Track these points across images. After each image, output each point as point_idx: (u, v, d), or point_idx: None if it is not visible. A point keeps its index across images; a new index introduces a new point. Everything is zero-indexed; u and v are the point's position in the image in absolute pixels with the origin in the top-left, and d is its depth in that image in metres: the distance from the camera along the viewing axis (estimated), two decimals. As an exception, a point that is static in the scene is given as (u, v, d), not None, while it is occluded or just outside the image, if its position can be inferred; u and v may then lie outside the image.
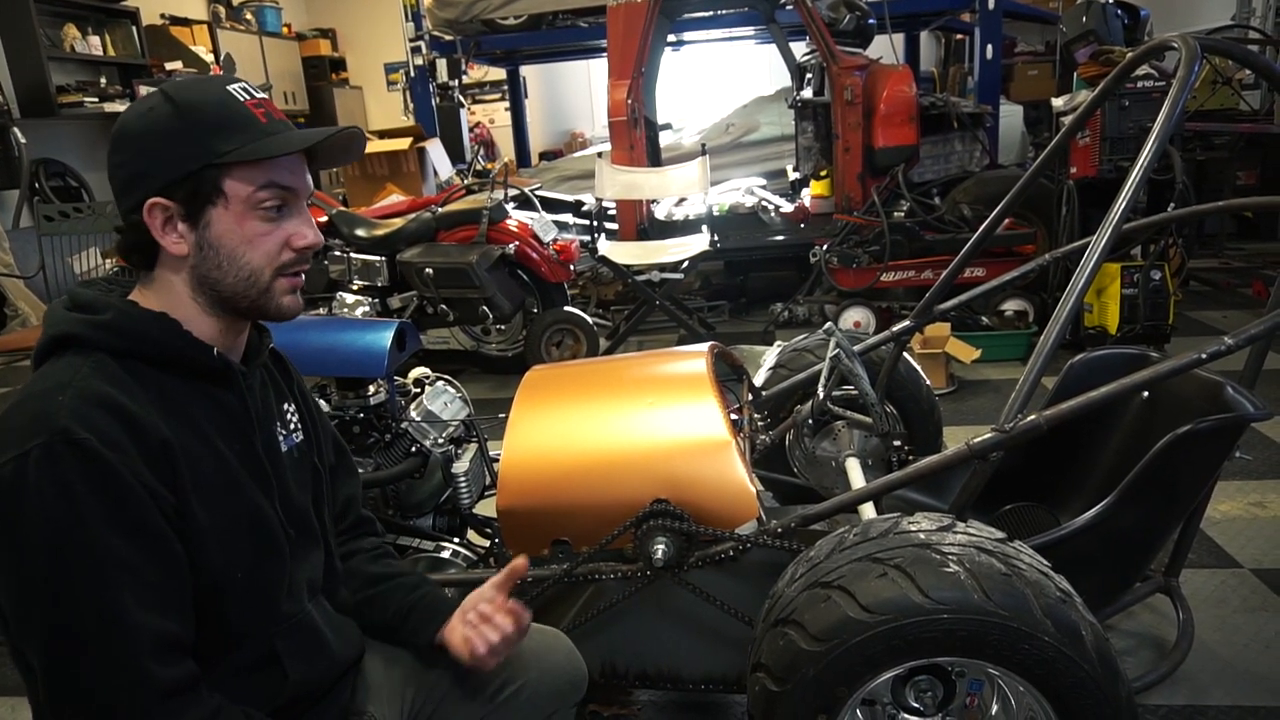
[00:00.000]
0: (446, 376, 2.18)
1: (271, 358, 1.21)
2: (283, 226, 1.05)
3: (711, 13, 6.23)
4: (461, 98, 7.02)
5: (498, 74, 8.79)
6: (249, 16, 8.39)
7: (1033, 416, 1.38)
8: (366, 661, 1.25)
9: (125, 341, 1.00)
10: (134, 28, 6.82)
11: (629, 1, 4.62)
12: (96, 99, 6.38)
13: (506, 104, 8.60)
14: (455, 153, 6.85)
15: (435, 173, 6.43)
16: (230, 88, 1.03)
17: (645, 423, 1.74)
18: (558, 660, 1.35)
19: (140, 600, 0.91)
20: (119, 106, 6.42)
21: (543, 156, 8.95)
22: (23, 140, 5.73)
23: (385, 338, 1.96)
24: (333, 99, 9.34)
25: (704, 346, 1.99)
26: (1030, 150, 6.59)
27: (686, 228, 4.94)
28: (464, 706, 1.28)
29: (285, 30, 9.00)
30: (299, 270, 1.08)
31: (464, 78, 7.13)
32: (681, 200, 5.39)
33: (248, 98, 1.03)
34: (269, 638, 1.06)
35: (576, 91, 9.91)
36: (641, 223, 4.92)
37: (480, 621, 1.22)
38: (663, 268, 4.17)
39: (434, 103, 6.78)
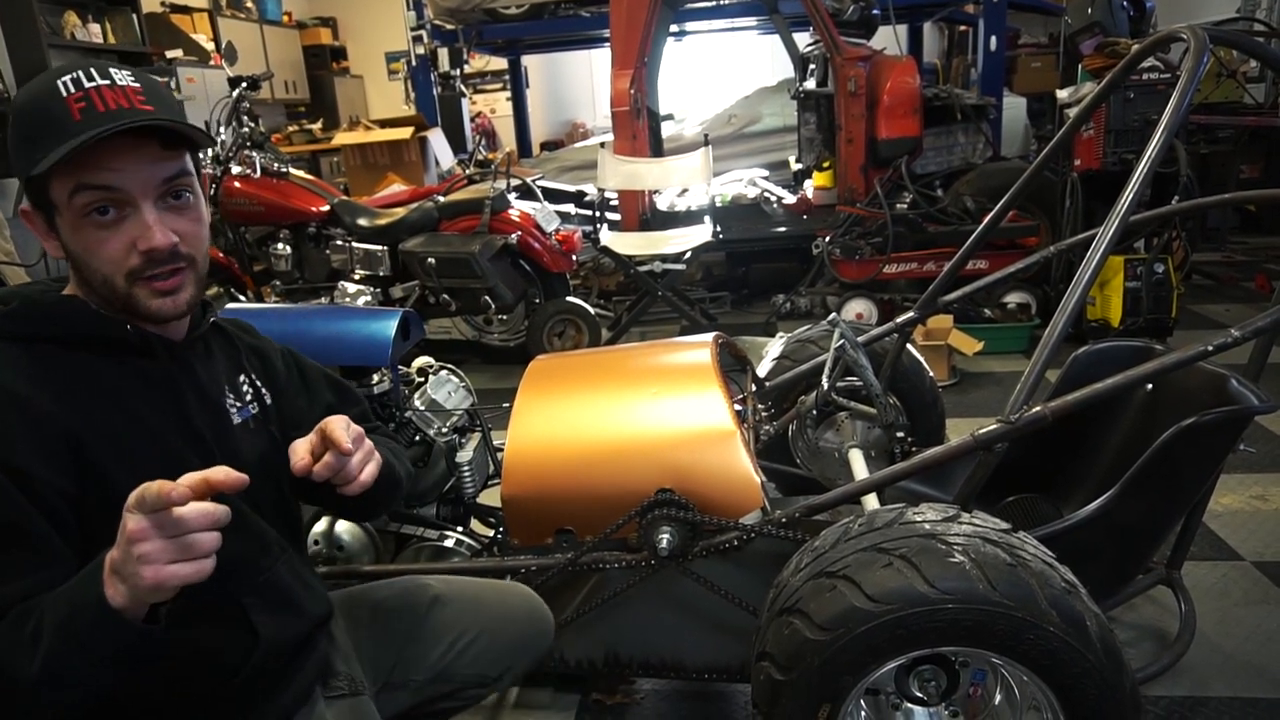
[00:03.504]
0: (450, 366, 2.17)
1: (216, 331, 1.21)
2: (122, 230, 0.98)
3: (715, 2, 6.21)
4: (463, 87, 7.00)
5: (499, 63, 8.76)
6: (249, 4, 8.37)
7: (1038, 408, 1.38)
8: (333, 622, 1.28)
9: (29, 326, 1.01)
10: (134, 15, 6.79)
11: (633, -10, 4.60)
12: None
13: (508, 94, 8.58)
14: (457, 142, 6.84)
15: (437, 162, 6.42)
16: (61, 80, 0.97)
17: (650, 412, 1.74)
18: (518, 614, 1.40)
19: None
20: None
21: (544, 147, 8.93)
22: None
23: (389, 327, 1.96)
24: (333, 88, 9.32)
25: (708, 337, 1.99)
26: (1033, 143, 6.58)
27: (689, 218, 4.93)
28: (422, 656, 1.33)
29: (286, 18, 8.97)
30: (161, 274, 1.01)
31: (465, 67, 7.12)
32: (684, 191, 5.38)
33: (73, 91, 0.96)
34: (235, 597, 1.07)
35: (578, 82, 9.89)
36: (644, 213, 4.91)
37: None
38: (665, 258, 4.16)
39: (435, 92, 6.77)
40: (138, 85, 0.99)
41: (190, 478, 0.84)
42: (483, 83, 9.60)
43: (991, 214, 2.14)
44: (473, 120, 7.82)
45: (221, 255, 4.25)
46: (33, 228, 1.03)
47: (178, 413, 1.07)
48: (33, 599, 0.88)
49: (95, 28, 6.51)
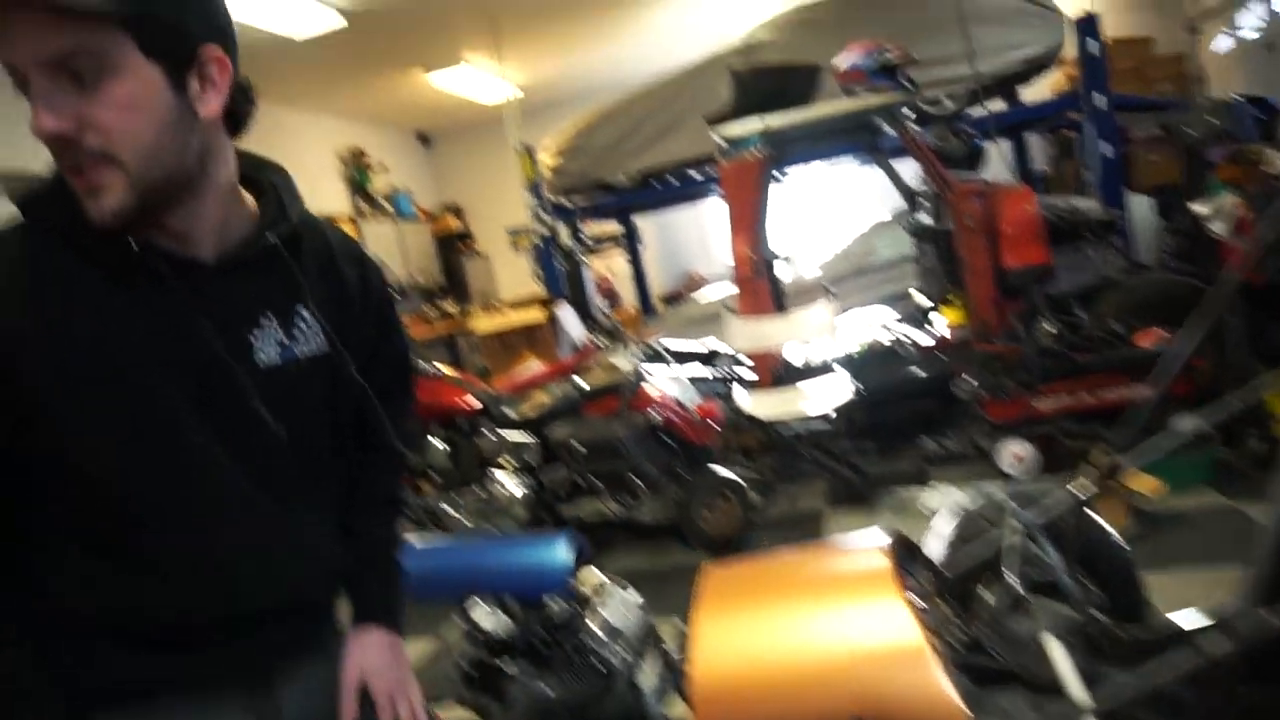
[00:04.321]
0: (620, 580, 2.21)
1: (290, 246, 1.08)
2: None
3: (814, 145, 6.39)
4: (583, 257, 7.39)
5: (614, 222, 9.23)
6: (386, 206, 9.18)
7: (1268, 616, 1.28)
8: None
9: (31, 212, 0.96)
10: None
11: (739, 160, 4.81)
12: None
13: (625, 253, 8.97)
14: (582, 308, 7.16)
15: (568, 334, 6.71)
16: None
17: (832, 630, 1.71)
18: None
19: None
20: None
21: (665, 300, 9.21)
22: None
23: (562, 553, 2.03)
24: (463, 268, 9.99)
25: (882, 537, 1.95)
26: (1168, 239, 6.32)
27: (822, 369, 4.92)
28: None
29: (420, 214, 9.77)
30: (73, 168, 0.89)
31: (583, 235, 7.56)
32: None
33: None
34: (184, 532, 1.02)
35: (689, 233, 10.24)
36: (776, 369, 4.94)
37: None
38: (805, 417, 4.15)
39: (558, 265, 7.16)
40: None
41: None
42: (600, 245, 10.09)
43: (1169, 358, 2.05)
44: (596, 285, 8.21)
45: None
46: None
47: (173, 341, 0.97)
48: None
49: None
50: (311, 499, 1.14)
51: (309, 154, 8.25)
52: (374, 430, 1.23)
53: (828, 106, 4.63)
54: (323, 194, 8.31)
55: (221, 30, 0.96)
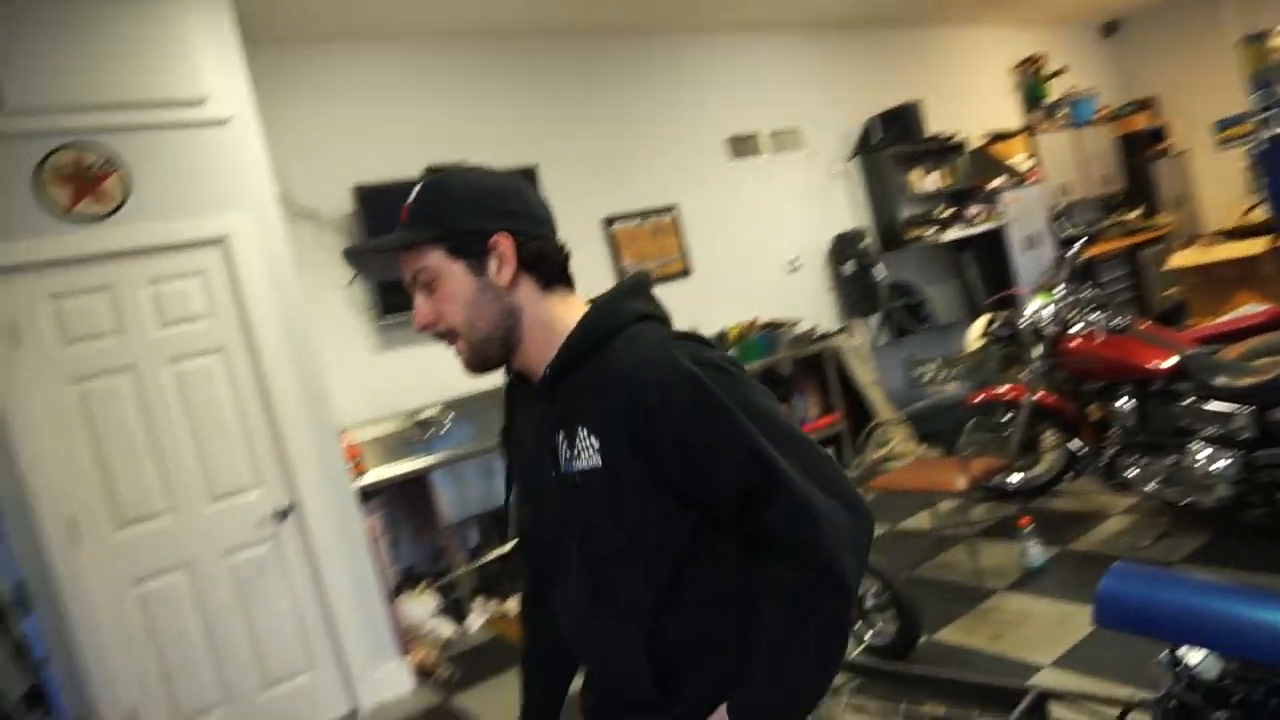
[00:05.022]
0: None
1: (590, 379, 1.20)
2: None
3: None
4: (1329, 161, 5.85)
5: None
6: (1064, 112, 8.51)
7: None
8: None
9: None
10: (963, 156, 7.59)
11: None
12: (935, 227, 7.30)
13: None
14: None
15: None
16: None
17: None
18: None
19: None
20: (950, 234, 7.24)
21: None
22: (884, 273, 6.92)
23: (1308, 622, 1.78)
24: (1151, 171, 8.80)
25: None
26: None
27: None
28: None
29: (1099, 115, 8.84)
30: (448, 342, 1.28)
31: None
32: None
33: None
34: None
35: None
36: None
37: None
38: None
39: (1289, 175, 5.80)
40: (410, 203, 1.25)
41: None
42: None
43: None
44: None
45: (1053, 400, 4.43)
46: None
47: (524, 443, 1.36)
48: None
49: (933, 176, 7.50)
50: (610, 605, 1.22)
51: (985, 72, 8.08)
52: (760, 533, 1.16)
53: None
54: (995, 113, 8.10)
55: (507, 215, 1.25)
